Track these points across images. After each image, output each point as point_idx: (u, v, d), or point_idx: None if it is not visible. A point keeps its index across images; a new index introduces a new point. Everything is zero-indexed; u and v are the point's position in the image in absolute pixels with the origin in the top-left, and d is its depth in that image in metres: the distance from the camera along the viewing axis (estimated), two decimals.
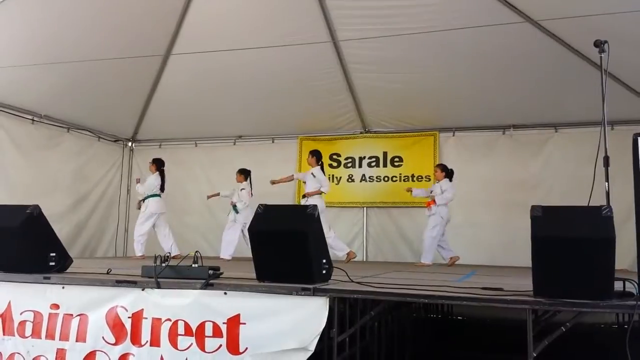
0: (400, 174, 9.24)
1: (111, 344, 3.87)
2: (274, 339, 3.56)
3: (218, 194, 8.76)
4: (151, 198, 8.44)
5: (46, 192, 8.46)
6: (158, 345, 3.77)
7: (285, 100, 8.85)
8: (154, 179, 8.51)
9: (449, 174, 7.72)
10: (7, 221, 4.33)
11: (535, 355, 3.11)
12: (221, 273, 4.02)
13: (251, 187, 8.54)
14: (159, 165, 8.64)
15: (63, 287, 4.12)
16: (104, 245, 9.97)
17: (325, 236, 7.35)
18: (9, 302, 4.19)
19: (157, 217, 8.45)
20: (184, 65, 8.39)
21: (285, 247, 3.77)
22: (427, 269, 6.79)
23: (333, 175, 9.45)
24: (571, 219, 3.19)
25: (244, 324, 3.64)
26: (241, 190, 8.35)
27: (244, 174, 8.57)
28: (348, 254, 7.74)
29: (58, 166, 8.95)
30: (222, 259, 7.94)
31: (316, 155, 8.13)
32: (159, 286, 3.86)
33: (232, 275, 4.23)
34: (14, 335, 4.12)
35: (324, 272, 3.88)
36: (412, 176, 9.12)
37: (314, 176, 7.92)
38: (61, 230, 8.40)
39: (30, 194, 7.86)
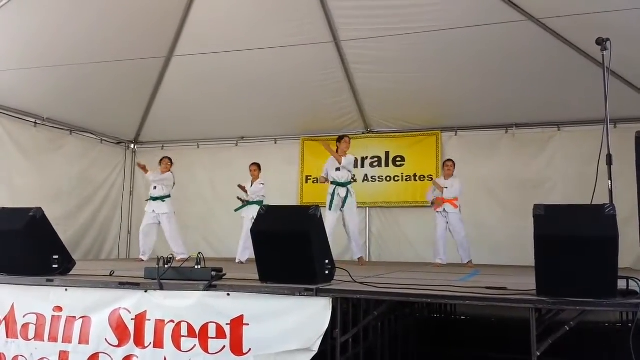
0: (402, 173, 9.23)
1: (114, 346, 3.88)
2: (278, 340, 3.56)
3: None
4: (169, 198, 8.35)
5: (50, 195, 8.50)
6: (161, 347, 3.77)
7: (288, 100, 8.86)
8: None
9: None
10: (10, 224, 4.33)
11: (538, 354, 3.10)
12: (224, 274, 4.02)
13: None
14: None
15: (66, 290, 4.12)
16: (108, 247, 9.99)
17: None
18: (12, 305, 4.20)
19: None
20: (185, 67, 8.41)
21: (288, 248, 3.77)
22: (434, 268, 6.77)
23: None
24: (574, 218, 3.18)
25: (247, 325, 3.64)
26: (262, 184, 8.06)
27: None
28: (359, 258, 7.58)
29: (61, 169, 8.97)
30: None
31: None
32: (162, 288, 3.86)
33: (235, 276, 4.23)
34: (17, 338, 4.13)
35: (326, 272, 3.88)
36: (415, 176, 9.11)
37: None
38: (65, 232, 8.44)
39: (34, 197, 7.89)
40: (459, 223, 7.40)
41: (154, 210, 8.24)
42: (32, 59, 7.09)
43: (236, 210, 8.00)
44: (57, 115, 8.72)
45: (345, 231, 7.50)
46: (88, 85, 8.17)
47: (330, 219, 7.18)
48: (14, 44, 6.95)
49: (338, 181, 7.43)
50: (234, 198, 8.19)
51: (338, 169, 7.46)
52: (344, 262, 7.51)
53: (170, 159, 8.49)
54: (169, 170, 8.38)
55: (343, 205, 7.39)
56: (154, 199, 8.28)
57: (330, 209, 7.33)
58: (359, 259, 7.55)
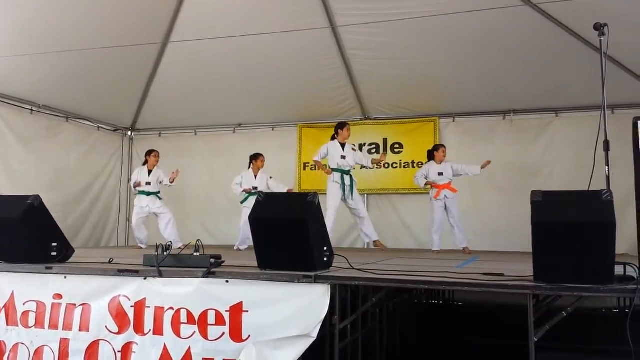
0: (400, 160, 9.23)
1: (114, 333, 3.90)
2: (277, 326, 3.58)
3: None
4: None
5: (49, 183, 8.48)
6: (161, 334, 3.79)
7: (285, 87, 8.83)
8: None
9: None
10: (8, 212, 4.33)
11: (536, 340, 3.12)
12: (223, 261, 4.04)
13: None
14: None
15: (65, 277, 4.13)
16: (107, 235, 10.00)
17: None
18: (12, 293, 4.22)
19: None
20: (182, 53, 8.36)
21: (286, 235, 3.78)
22: (429, 255, 6.79)
23: None
24: (571, 204, 3.19)
25: (247, 311, 3.66)
26: (270, 178, 8.03)
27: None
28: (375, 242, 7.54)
29: (59, 156, 8.94)
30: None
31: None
32: (160, 275, 3.88)
33: (234, 263, 4.24)
34: (17, 326, 4.15)
35: (325, 259, 3.90)
36: (413, 162, 9.10)
37: (354, 150, 7.60)
38: (65, 220, 8.47)
39: (33, 184, 7.85)
40: (455, 206, 7.35)
41: (147, 206, 8.21)
42: (26, 45, 7.02)
43: (242, 202, 7.96)
44: (53, 102, 8.67)
45: (355, 218, 7.54)
46: (84, 71, 8.11)
47: (336, 207, 7.24)
48: (9, 31, 6.89)
49: (343, 169, 7.37)
50: (232, 185, 8.17)
51: (343, 157, 7.39)
52: (343, 249, 7.55)
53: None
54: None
55: (352, 195, 7.34)
56: (148, 194, 8.25)
57: (345, 199, 7.31)
58: (376, 242, 7.44)
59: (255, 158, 8.12)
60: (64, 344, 4.00)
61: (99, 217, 9.79)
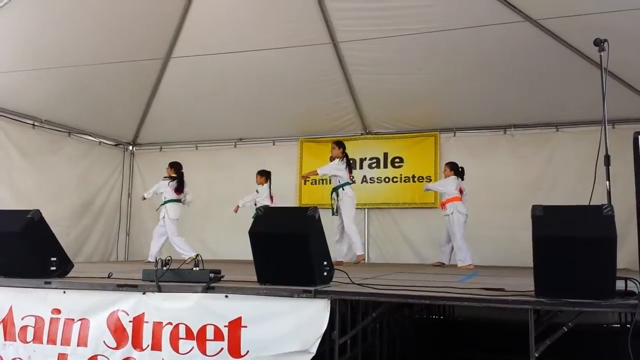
0: (401, 174, 9.22)
1: (112, 349, 3.87)
2: (276, 342, 3.55)
3: (237, 207, 8.33)
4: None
5: (51, 197, 8.49)
6: (159, 349, 3.76)
7: (286, 102, 8.86)
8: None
9: (458, 172, 7.72)
10: (8, 226, 4.32)
11: (537, 355, 3.10)
12: (222, 276, 4.02)
13: (270, 189, 8.43)
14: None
15: (64, 292, 4.11)
16: (110, 250, 10.01)
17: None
18: (10, 307, 4.19)
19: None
20: (184, 68, 8.40)
21: (286, 250, 3.76)
22: (429, 269, 6.77)
23: None
24: (572, 219, 3.18)
25: (245, 327, 3.63)
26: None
27: (265, 175, 8.40)
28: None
29: (61, 171, 8.95)
30: None
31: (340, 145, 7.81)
32: (159, 290, 3.86)
33: (233, 278, 4.22)
34: (15, 341, 4.12)
35: (325, 274, 3.87)
36: (413, 177, 9.10)
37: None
38: (68, 235, 8.48)
39: (36, 199, 7.85)
40: (452, 225, 7.42)
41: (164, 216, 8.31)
42: (29, 60, 7.07)
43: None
44: (56, 117, 8.70)
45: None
46: (86, 86, 8.16)
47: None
48: (12, 46, 6.94)
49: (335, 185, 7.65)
50: (232, 199, 8.15)
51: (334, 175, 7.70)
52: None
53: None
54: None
55: (337, 210, 7.53)
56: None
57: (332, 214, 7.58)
58: (340, 262, 7.35)
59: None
60: (61, 358, 3.97)
61: (101, 231, 9.81)
